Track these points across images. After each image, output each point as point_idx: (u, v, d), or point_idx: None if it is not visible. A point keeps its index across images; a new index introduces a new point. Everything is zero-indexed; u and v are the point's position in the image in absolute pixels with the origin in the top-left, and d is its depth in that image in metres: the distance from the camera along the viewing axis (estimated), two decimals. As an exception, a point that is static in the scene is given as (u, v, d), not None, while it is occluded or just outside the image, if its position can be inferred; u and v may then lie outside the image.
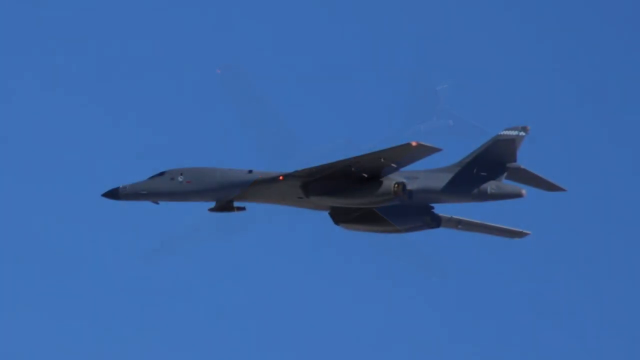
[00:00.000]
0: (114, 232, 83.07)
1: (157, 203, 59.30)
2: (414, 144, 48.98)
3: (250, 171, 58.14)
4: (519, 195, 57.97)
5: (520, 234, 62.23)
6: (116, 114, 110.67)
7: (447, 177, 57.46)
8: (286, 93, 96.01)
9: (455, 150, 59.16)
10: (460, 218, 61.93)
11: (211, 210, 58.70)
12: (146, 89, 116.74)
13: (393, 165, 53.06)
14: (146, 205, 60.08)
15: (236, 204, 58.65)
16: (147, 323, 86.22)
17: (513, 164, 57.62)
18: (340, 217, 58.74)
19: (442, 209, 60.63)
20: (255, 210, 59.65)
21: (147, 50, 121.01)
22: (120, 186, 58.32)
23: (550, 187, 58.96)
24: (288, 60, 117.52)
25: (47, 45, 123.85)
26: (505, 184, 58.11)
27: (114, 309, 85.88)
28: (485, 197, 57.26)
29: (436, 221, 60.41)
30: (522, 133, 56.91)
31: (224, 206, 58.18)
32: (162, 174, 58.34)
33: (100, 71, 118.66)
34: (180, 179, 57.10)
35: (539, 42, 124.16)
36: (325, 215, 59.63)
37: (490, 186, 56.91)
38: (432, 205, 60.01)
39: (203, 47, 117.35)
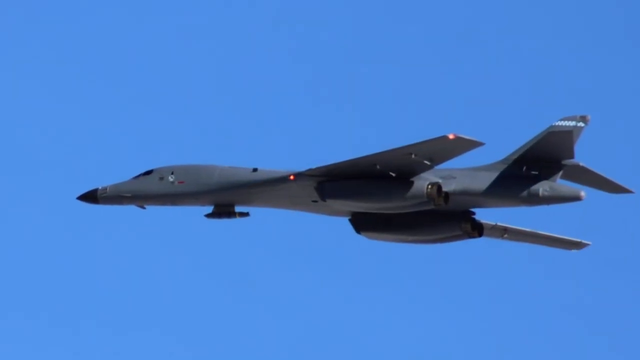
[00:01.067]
0: (90, 241, 76.93)
1: (144, 208, 51.75)
2: (451, 136, 41.78)
3: (255, 169, 50.65)
4: (577, 198, 49.53)
5: (578, 245, 54.65)
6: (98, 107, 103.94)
7: (490, 177, 49.36)
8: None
9: (500, 144, 51.82)
10: (507, 226, 54.38)
11: (208, 216, 51.42)
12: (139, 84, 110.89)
13: (426, 162, 45.35)
14: (130, 210, 52.30)
15: (238, 208, 51.19)
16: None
17: (570, 161, 49.32)
18: (362, 224, 51.26)
19: (484, 215, 53.04)
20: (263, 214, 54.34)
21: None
22: (99, 187, 50.62)
23: (615, 188, 50.85)
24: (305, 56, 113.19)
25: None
26: (560, 184, 49.94)
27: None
28: (536, 200, 49.07)
29: (478, 229, 52.72)
30: (580, 124, 48.31)
31: (224, 211, 50.99)
32: (149, 172, 50.81)
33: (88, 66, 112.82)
34: (171, 178, 49.57)
35: (602, 21, 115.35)
36: (344, 222, 52.45)
37: (542, 187, 48.71)
38: (473, 210, 52.31)
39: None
